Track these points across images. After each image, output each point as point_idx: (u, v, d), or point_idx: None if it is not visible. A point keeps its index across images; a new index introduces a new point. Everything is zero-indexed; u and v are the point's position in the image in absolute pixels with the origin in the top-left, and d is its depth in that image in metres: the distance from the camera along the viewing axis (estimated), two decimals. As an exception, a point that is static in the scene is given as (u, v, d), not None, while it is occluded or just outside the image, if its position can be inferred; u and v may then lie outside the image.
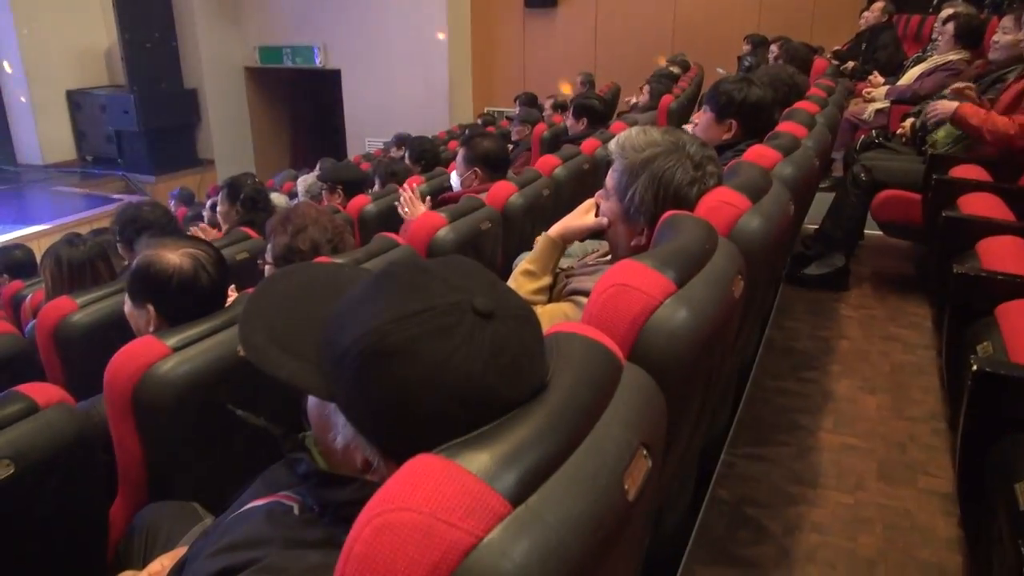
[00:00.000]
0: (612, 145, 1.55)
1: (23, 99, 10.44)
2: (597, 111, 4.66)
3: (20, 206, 9.26)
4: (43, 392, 1.32)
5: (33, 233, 7.65)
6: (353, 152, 9.70)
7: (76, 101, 10.71)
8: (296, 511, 0.79)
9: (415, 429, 0.66)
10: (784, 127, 2.44)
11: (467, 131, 5.87)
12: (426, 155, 4.70)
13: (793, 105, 3.04)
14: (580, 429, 0.68)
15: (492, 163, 3.07)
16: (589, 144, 3.91)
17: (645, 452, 0.71)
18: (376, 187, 4.15)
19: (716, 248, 1.20)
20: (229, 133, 10.97)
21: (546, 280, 1.64)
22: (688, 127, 2.85)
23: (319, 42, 10.31)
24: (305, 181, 5.08)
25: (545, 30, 9.53)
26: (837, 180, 4.24)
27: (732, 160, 1.96)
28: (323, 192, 4.16)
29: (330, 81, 10.54)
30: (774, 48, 5.49)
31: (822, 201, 3.45)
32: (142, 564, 1.02)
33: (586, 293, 1.50)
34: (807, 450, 2.27)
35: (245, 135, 11.20)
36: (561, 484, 0.63)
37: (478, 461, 0.61)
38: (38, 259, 4.07)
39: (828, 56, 6.16)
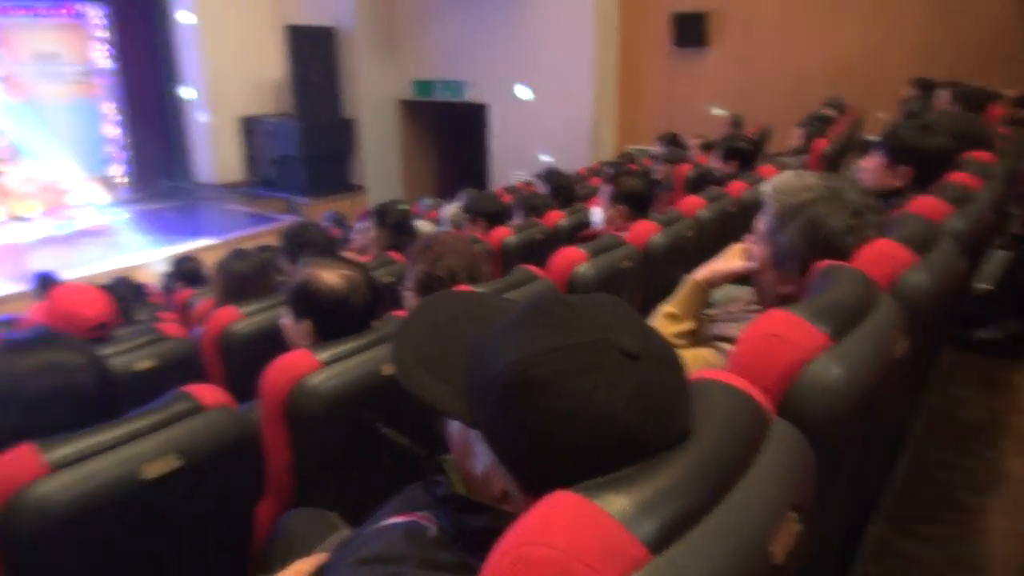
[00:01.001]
0: (765, 188, 1.51)
1: (203, 123, 11.53)
2: (746, 153, 4.55)
3: (194, 221, 10.20)
4: (209, 393, 1.43)
5: (204, 246, 8.37)
6: (496, 184, 9.96)
7: (248, 127, 11.70)
8: (432, 532, 0.82)
9: (554, 464, 0.66)
10: (956, 177, 2.28)
11: (608, 168, 5.89)
12: (564, 190, 4.76)
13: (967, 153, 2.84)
14: (725, 483, 0.66)
15: (637, 201, 3.06)
16: (736, 186, 3.82)
17: (795, 515, 0.68)
18: (518, 219, 4.24)
19: (875, 303, 1.14)
20: (380, 161, 11.58)
21: (689, 324, 1.60)
22: (849, 171, 2.72)
23: (469, 77, 10.73)
24: (449, 210, 5.27)
25: (693, 69, 9.45)
26: (1015, 238, 3.90)
27: (897, 209, 1.85)
28: (465, 222, 4.29)
29: (477, 115, 10.91)
30: (943, 92, 5.16)
31: (997, 260, 3.19)
32: (282, 566, 1.08)
33: (731, 340, 1.46)
34: (972, 533, 2.07)
35: (395, 163, 11.78)
36: (703, 538, 0.61)
37: (617, 504, 0.61)
38: (207, 270, 4.47)
39: (1007, 102, 5.71)
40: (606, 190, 3.18)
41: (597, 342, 0.67)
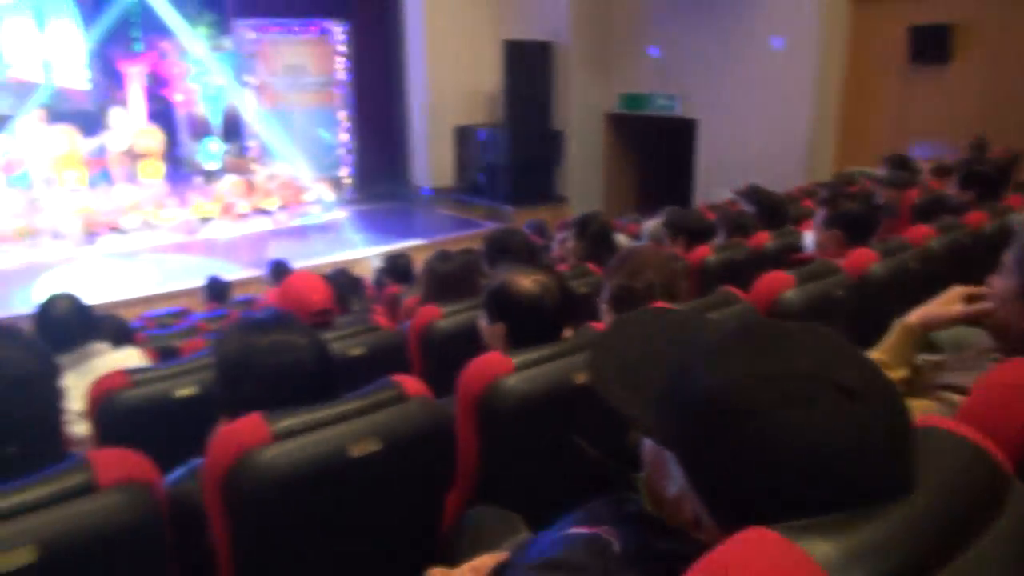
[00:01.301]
0: (1018, 218, 1.34)
1: (423, 132, 12.34)
2: (989, 179, 4.07)
3: (407, 222, 10.94)
4: (411, 384, 1.53)
5: (414, 246, 8.95)
6: (700, 201, 9.72)
7: (461, 136, 12.35)
8: (615, 549, 0.81)
9: (754, 497, 0.63)
10: None
11: (824, 189, 5.52)
12: (772, 210, 4.53)
13: None
14: (951, 545, 0.59)
15: (854, 226, 2.85)
16: (975, 217, 3.42)
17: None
18: (720, 238, 4.10)
19: None
20: (584, 173, 11.73)
21: (901, 372, 1.45)
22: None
23: (681, 92, 10.56)
24: (649, 225, 5.21)
25: (931, 87, 8.62)
26: None
27: None
28: (666, 238, 4.22)
29: (686, 130, 10.71)
30: None
31: None
32: (465, 559, 1.11)
33: (960, 390, 1.31)
34: None
35: (598, 176, 11.88)
36: (922, 603, 0.55)
37: (822, 550, 0.56)
38: (416, 268, 4.78)
39: None
40: (820, 212, 2.98)
41: (813, 374, 0.63)
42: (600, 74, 11.43)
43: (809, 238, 3.14)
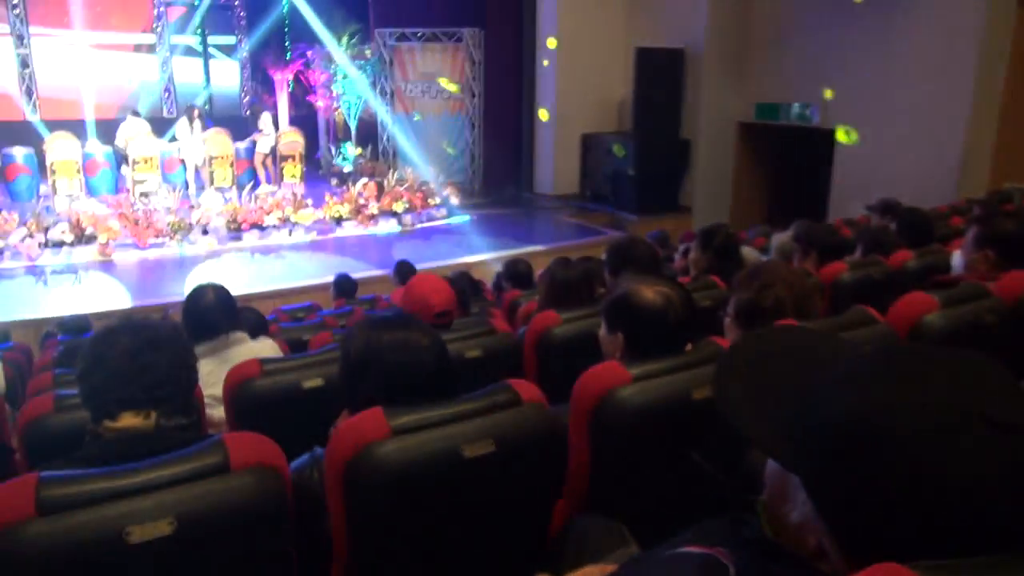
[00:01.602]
0: None
1: (550, 139, 12.44)
2: None
3: (529, 227, 11.04)
4: (527, 389, 1.54)
5: (533, 251, 9.02)
6: (835, 216, 9.24)
7: (587, 143, 12.34)
8: (731, 573, 0.78)
9: (888, 530, 0.59)
10: None
11: (978, 207, 5.12)
12: (918, 228, 4.23)
13: None
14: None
15: (1010, 247, 2.62)
16: None
17: None
18: (857, 254, 3.88)
19: None
20: (711, 183, 11.43)
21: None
22: None
23: (818, 102, 10.09)
24: (779, 239, 5.00)
25: (1110, 97, 7.81)
26: None
27: None
28: (796, 253, 4.04)
29: (822, 141, 10.22)
30: None
31: None
32: (571, 567, 1.11)
33: None
34: None
35: (726, 187, 11.54)
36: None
37: (964, 596, 0.52)
38: (535, 274, 4.81)
39: None
40: (972, 231, 2.77)
41: (962, 403, 0.58)
42: (734, 82, 11.11)
43: (957, 259, 2.91)
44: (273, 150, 11.03)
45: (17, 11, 12.01)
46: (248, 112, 13.73)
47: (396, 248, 9.27)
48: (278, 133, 11.11)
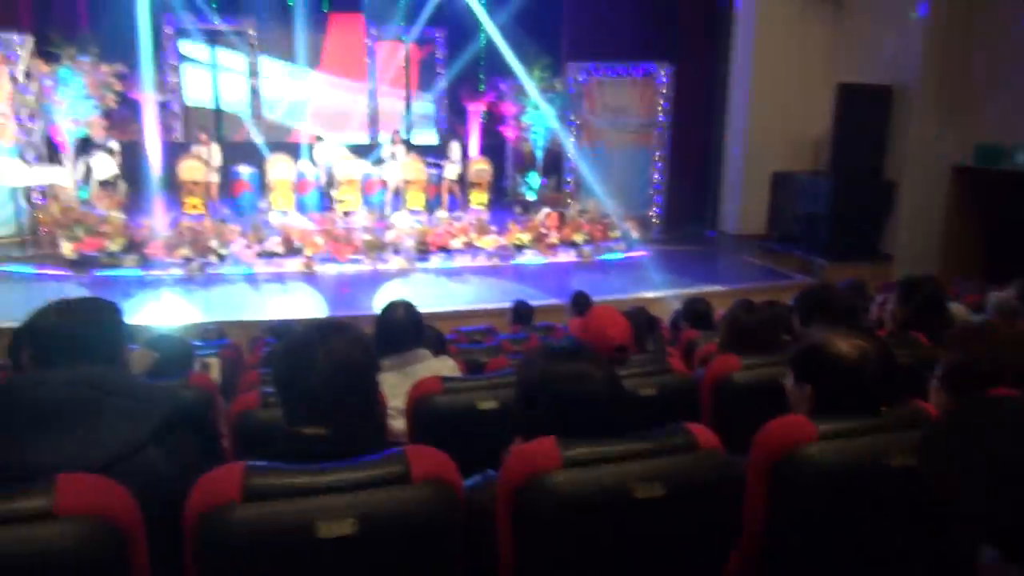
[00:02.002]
0: None
1: (738, 176, 12.07)
2: None
3: (711, 266, 10.75)
4: (704, 434, 1.49)
5: (714, 292, 8.74)
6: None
7: (778, 182, 11.83)
8: None
9: None
10: None
11: None
12: None
13: None
14: None
15: None
16: None
17: None
18: (1096, 321, 3.42)
19: None
20: (917, 230, 10.53)
21: None
22: None
23: (1055, 144, 9.03)
24: (998, 297, 4.51)
25: None
26: None
27: None
28: (1019, 314, 3.62)
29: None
30: None
31: None
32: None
33: None
34: None
35: (933, 235, 10.58)
36: None
37: None
38: (715, 315, 4.67)
39: None
40: None
41: None
42: (949, 122, 10.21)
43: None
44: (461, 177, 11.60)
45: (252, 45, 13.68)
46: (441, 141, 14.56)
47: (574, 278, 9.36)
48: (467, 161, 11.67)
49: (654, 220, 12.39)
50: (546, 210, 10.89)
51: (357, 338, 1.62)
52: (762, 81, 11.50)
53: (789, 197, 11.53)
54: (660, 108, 12.22)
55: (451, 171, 11.70)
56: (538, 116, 12.42)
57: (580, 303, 5.53)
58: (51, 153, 10.47)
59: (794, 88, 11.50)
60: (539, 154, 12.75)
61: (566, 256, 10.40)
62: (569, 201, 11.71)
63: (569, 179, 12.78)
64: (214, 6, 13.52)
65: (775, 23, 11.56)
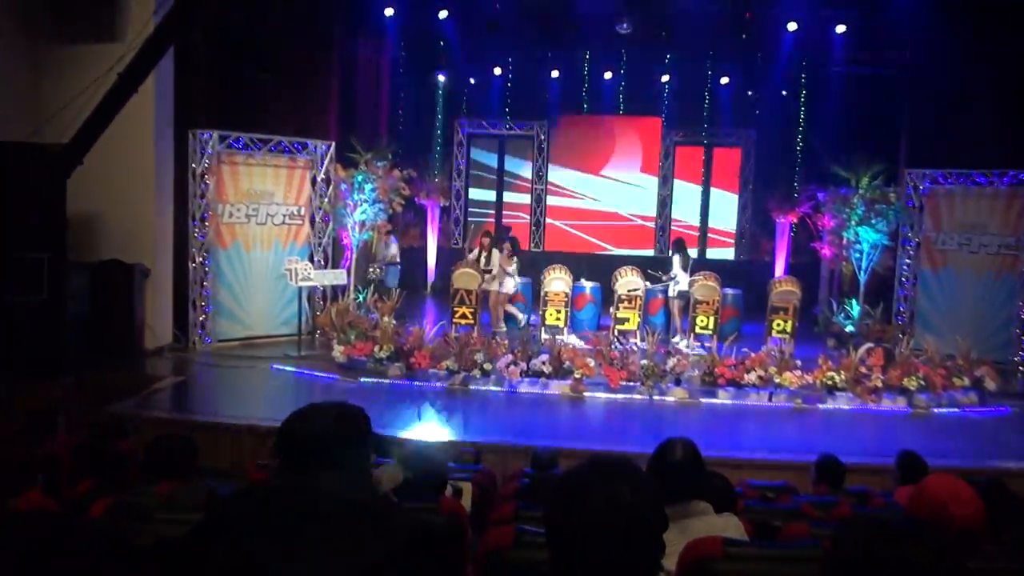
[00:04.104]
0: None
1: None
2: None
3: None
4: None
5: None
6: None
7: None
8: None
9: None
10: None
11: None
12: None
13: None
14: None
15: None
16: None
17: None
18: None
19: None
20: None
21: None
22: None
23: None
24: None
25: None
26: None
27: None
28: None
29: None
30: None
31: None
32: None
33: None
34: None
35: None
36: None
37: None
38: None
39: None
40: None
41: None
42: None
43: None
44: (683, 295, 11.41)
45: (543, 156, 15.07)
46: (736, 255, 14.47)
47: (902, 434, 8.58)
48: (692, 278, 11.45)
49: (1019, 367, 10.99)
50: (868, 345, 10.17)
51: (645, 483, 1.59)
52: None
53: None
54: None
55: (673, 288, 11.71)
56: (865, 232, 11.86)
57: (910, 467, 5.09)
58: (336, 255, 12.16)
59: None
60: (862, 277, 12.10)
61: (892, 405, 9.56)
62: (900, 336, 10.84)
63: (902, 309, 11.92)
64: (507, 111, 15.12)
65: None
